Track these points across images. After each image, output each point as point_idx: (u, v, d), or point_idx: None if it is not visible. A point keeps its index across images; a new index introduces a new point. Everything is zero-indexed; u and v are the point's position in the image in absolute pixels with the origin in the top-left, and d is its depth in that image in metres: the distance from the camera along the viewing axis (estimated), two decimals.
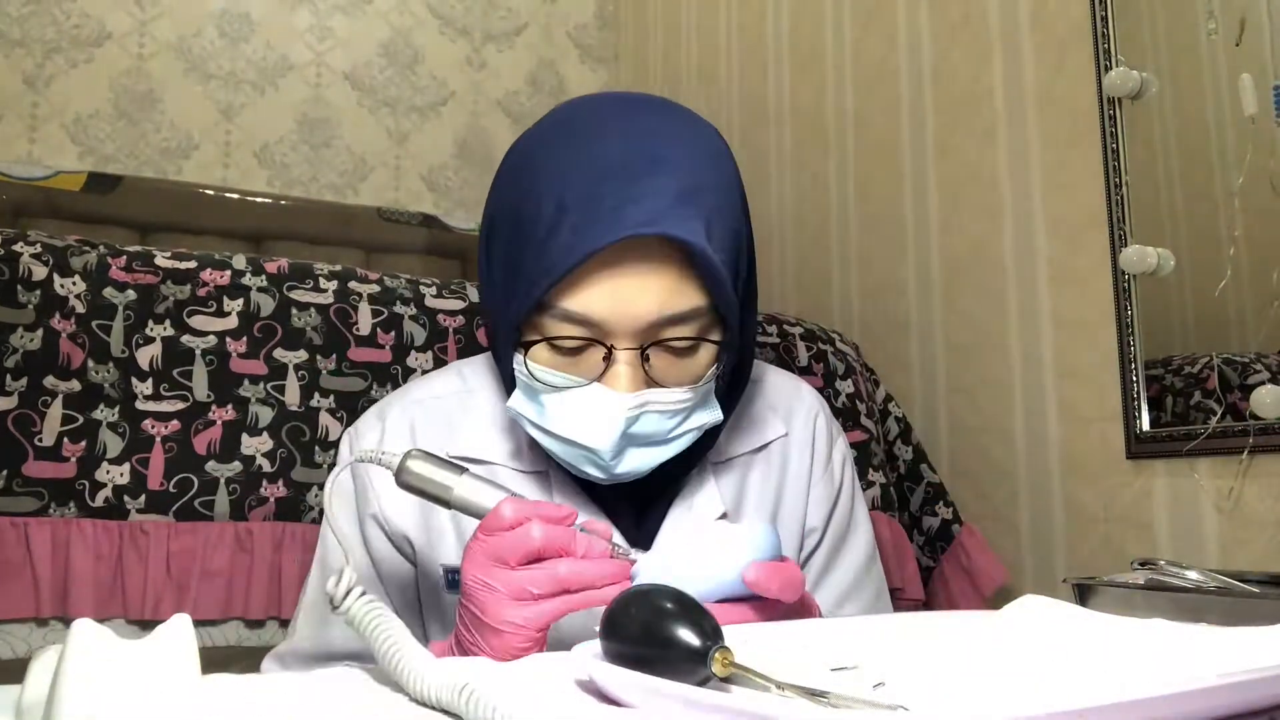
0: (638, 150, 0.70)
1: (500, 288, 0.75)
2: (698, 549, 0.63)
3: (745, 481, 0.86)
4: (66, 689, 0.35)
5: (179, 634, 0.39)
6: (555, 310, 0.69)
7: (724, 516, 0.83)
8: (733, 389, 0.82)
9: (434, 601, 0.82)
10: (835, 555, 0.90)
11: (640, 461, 0.73)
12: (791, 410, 0.91)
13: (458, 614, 0.66)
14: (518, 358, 0.73)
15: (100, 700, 0.35)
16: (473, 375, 0.87)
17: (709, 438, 0.81)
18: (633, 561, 0.63)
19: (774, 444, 0.88)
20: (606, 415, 0.70)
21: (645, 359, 0.70)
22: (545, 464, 0.81)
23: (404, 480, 0.65)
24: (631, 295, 0.68)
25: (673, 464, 0.77)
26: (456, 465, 0.66)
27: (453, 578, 0.79)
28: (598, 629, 0.51)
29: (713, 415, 0.76)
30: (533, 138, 0.76)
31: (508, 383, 0.78)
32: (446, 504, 0.66)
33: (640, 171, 0.68)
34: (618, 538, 0.69)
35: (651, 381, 0.71)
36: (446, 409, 0.84)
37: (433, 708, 0.47)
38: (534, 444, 0.79)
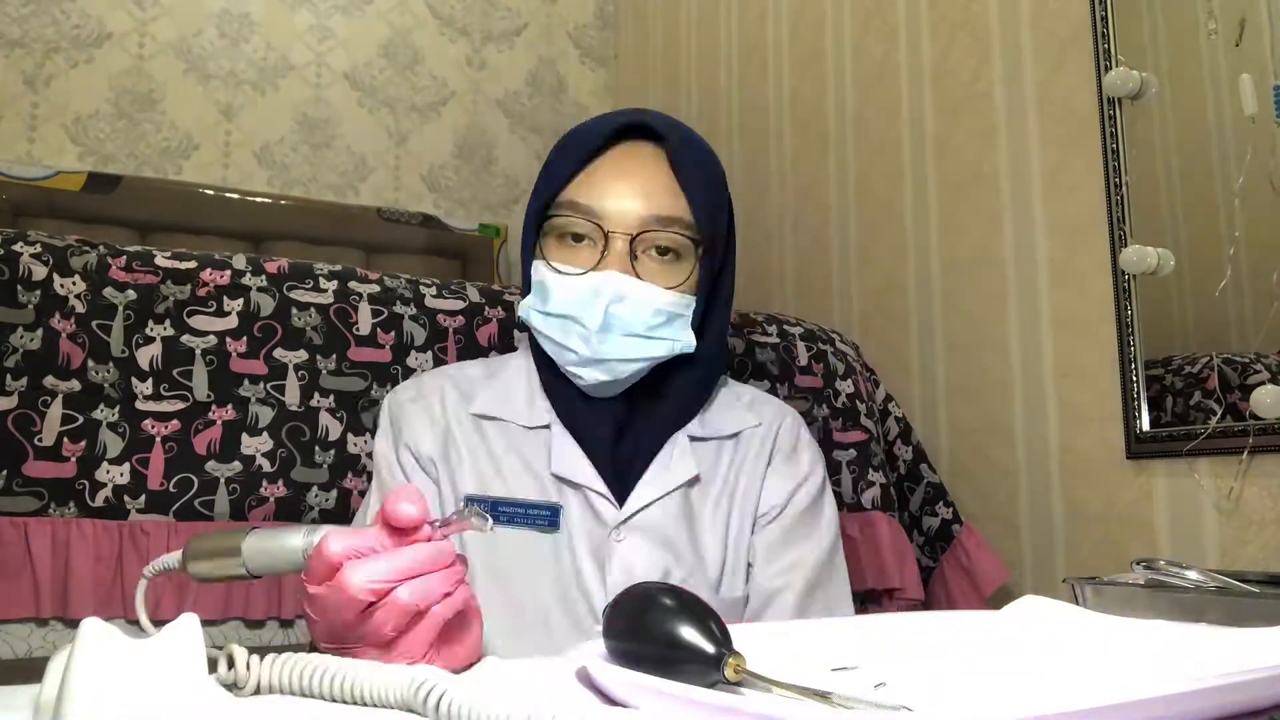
0: (648, 110, 0.97)
1: (529, 213, 0.94)
2: None
3: (717, 458, 0.99)
4: (75, 687, 0.35)
5: (186, 633, 0.39)
6: (568, 203, 0.89)
7: (695, 479, 0.95)
8: (706, 361, 0.97)
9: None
10: (794, 533, 0.99)
11: (623, 349, 0.88)
12: (761, 409, 1.05)
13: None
14: (535, 263, 0.92)
15: (108, 699, 0.35)
16: (496, 364, 1.04)
17: (686, 412, 0.97)
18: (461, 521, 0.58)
19: (744, 433, 1.01)
20: (595, 291, 0.86)
21: (634, 255, 0.88)
22: (549, 419, 0.96)
23: (192, 571, 0.58)
24: (624, 189, 0.89)
25: (658, 431, 0.94)
26: (235, 533, 0.59)
27: (471, 508, 0.80)
28: (599, 627, 0.51)
29: (687, 337, 0.92)
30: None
31: (527, 288, 0.94)
32: (249, 576, 0.58)
33: (651, 112, 0.95)
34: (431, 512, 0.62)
35: (635, 274, 0.88)
36: (472, 382, 1.00)
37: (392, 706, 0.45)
38: (541, 404, 0.96)
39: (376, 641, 0.56)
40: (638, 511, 0.92)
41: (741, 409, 1.03)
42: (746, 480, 0.99)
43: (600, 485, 0.92)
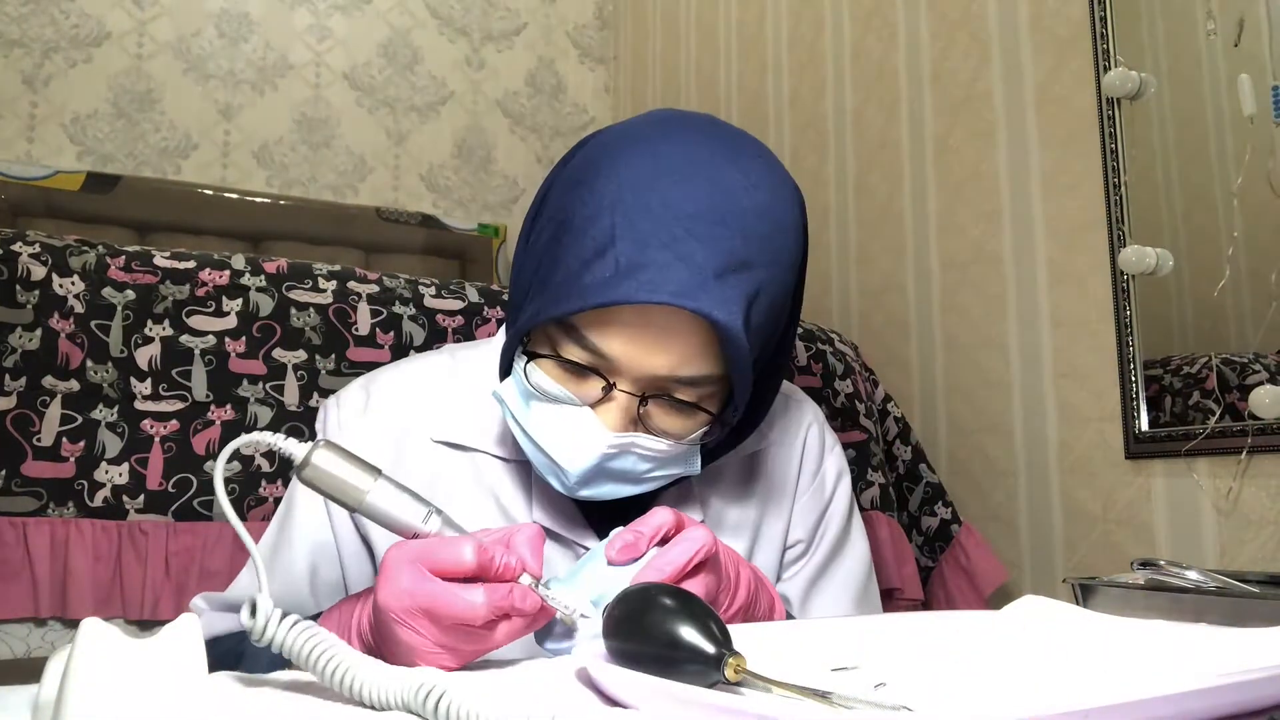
0: (706, 206, 0.67)
1: (528, 280, 0.74)
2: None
3: (729, 489, 0.84)
4: (74, 688, 0.35)
5: (185, 633, 0.39)
6: (574, 333, 0.68)
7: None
8: (750, 426, 0.81)
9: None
10: (827, 568, 0.88)
11: (605, 492, 0.72)
12: (785, 423, 0.89)
13: (363, 623, 0.62)
14: (519, 362, 0.72)
15: (107, 699, 0.35)
16: (464, 361, 0.85)
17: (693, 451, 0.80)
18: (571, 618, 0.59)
19: (761, 453, 0.86)
20: (588, 443, 0.69)
21: (643, 402, 0.69)
22: (534, 479, 0.79)
23: (307, 478, 0.57)
24: (650, 349, 0.67)
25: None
26: (370, 466, 0.59)
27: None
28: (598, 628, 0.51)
29: (693, 466, 0.74)
30: (609, 145, 0.72)
31: (504, 369, 0.76)
32: (353, 509, 0.58)
33: (699, 233, 0.66)
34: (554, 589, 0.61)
35: (641, 426, 0.70)
36: (434, 390, 0.82)
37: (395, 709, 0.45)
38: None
39: (436, 643, 0.56)
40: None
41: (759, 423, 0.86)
42: (774, 505, 0.86)
43: (591, 540, 0.78)
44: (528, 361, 0.70)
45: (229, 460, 0.55)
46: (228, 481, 1.16)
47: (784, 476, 0.87)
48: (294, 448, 0.58)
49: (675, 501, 0.80)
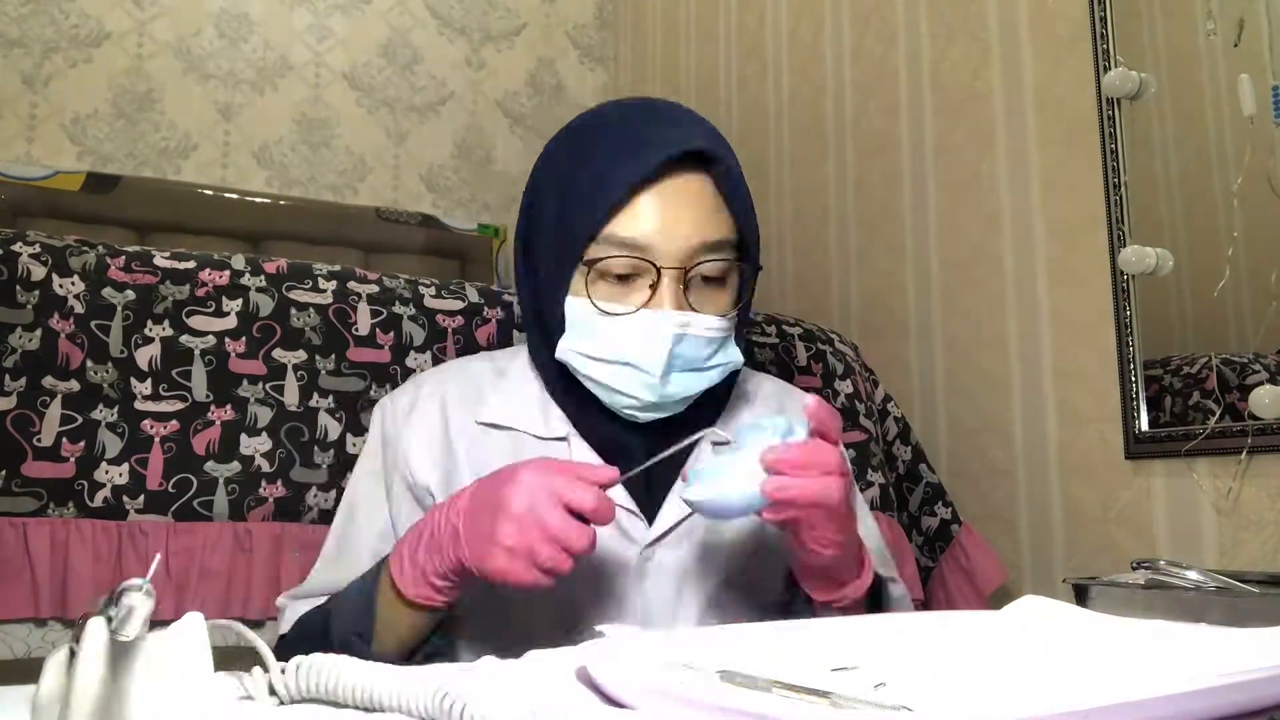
0: (673, 117, 0.87)
1: (552, 241, 0.85)
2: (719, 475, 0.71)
3: None
4: (81, 687, 0.35)
5: (191, 631, 0.39)
6: (612, 239, 0.81)
7: None
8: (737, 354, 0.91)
9: None
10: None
11: (684, 385, 0.82)
12: (783, 402, 0.99)
13: (463, 493, 0.75)
14: (572, 301, 0.83)
15: (114, 698, 0.35)
16: (503, 359, 0.96)
17: (708, 414, 0.91)
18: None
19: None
20: (657, 334, 0.80)
21: (685, 286, 0.81)
22: (566, 430, 0.89)
23: None
24: (674, 220, 0.80)
25: (682, 438, 0.82)
26: None
27: None
28: (598, 628, 0.51)
29: (736, 355, 0.86)
30: (584, 118, 0.89)
31: (544, 342, 0.87)
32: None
33: (674, 120, 0.86)
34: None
35: (690, 308, 0.81)
36: (477, 382, 0.92)
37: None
38: (555, 413, 0.89)
39: (552, 534, 0.69)
40: (670, 530, 0.86)
41: (765, 404, 0.98)
42: None
43: (630, 503, 0.86)
44: (587, 278, 0.82)
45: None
46: (227, 481, 1.17)
47: None
48: None
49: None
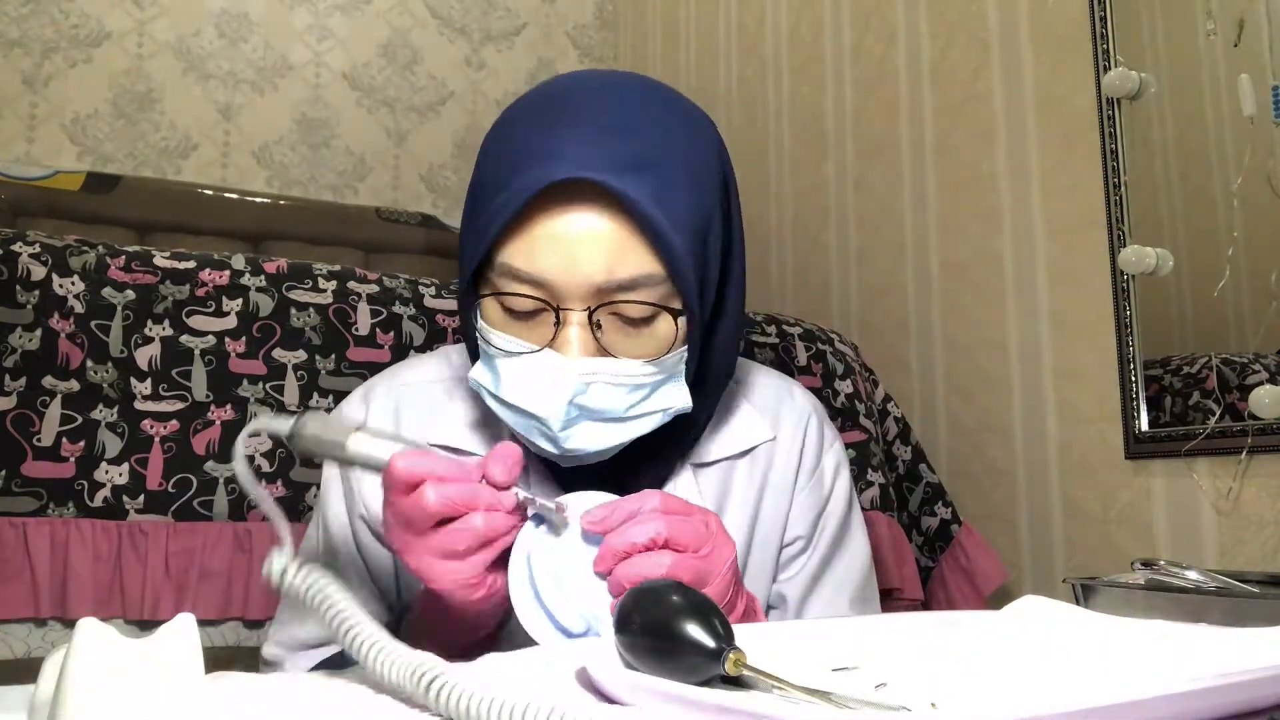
0: (598, 113, 0.68)
1: (463, 244, 0.74)
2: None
3: (729, 484, 0.83)
4: (70, 688, 0.35)
5: (182, 633, 0.39)
6: (505, 268, 0.68)
7: None
8: (711, 386, 0.79)
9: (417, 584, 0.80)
10: (828, 566, 0.87)
11: (593, 439, 0.70)
12: (780, 413, 0.88)
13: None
14: (480, 322, 0.71)
15: (104, 699, 0.35)
16: (461, 363, 0.85)
17: (688, 437, 0.80)
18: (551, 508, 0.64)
19: (759, 448, 0.85)
20: (553, 380, 0.67)
21: (596, 326, 0.68)
22: (525, 457, 0.77)
23: (297, 446, 0.63)
24: (576, 253, 0.66)
25: (652, 463, 0.76)
26: (352, 423, 0.64)
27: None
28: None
29: (681, 399, 0.72)
30: (508, 110, 0.75)
31: (474, 357, 0.75)
32: (348, 462, 0.64)
33: (597, 125, 0.67)
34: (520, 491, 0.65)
35: (604, 352, 0.68)
36: (431, 395, 0.83)
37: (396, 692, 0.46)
38: (515, 434, 0.75)
39: (441, 554, 0.61)
40: None
41: (753, 416, 0.86)
42: (772, 501, 0.85)
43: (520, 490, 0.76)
44: (478, 315, 0.71)
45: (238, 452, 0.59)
46: (227, 481, 1.17)
47: (783, 470, 0.86)
48: (282, 424, 0.62)
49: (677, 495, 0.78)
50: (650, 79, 0.76)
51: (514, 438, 0.75)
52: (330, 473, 0.84)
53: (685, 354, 0.72)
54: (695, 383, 0.75)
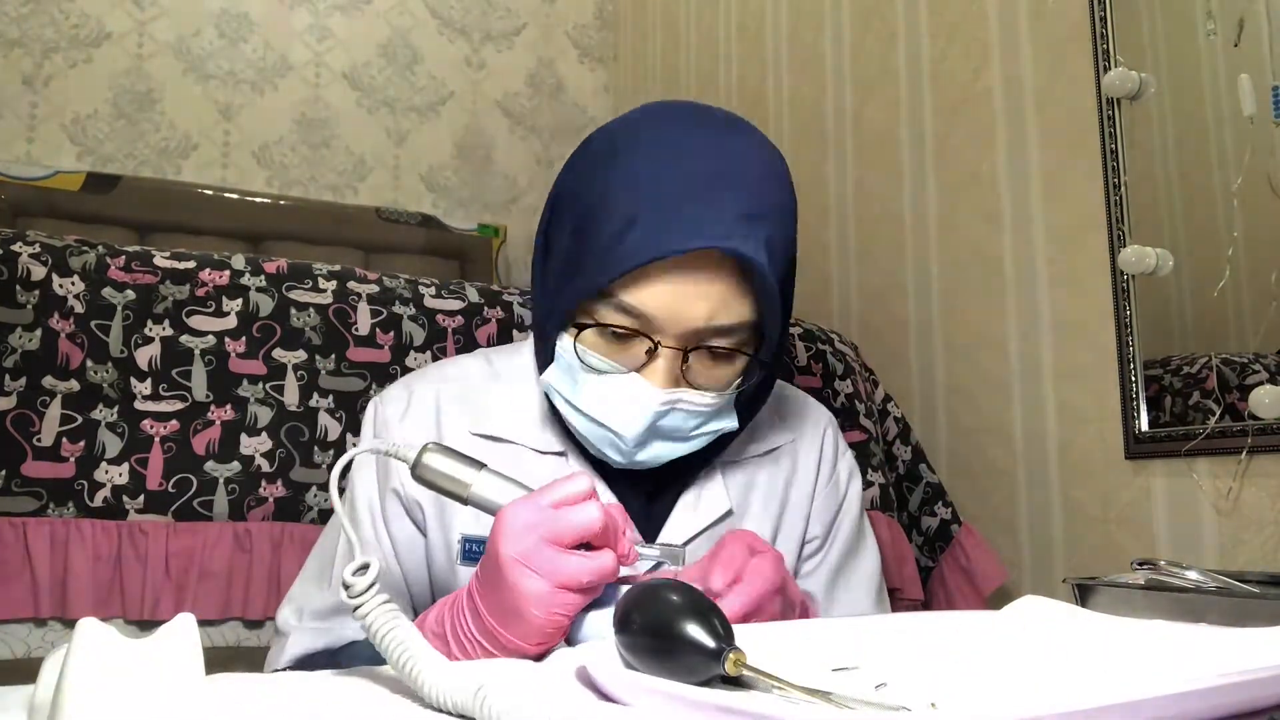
0: (714, 168, 0.74)
1: (558, 273, 0.79)
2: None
3: (753, 481, 0.89)
4: (70, 688, 0.35)
5: (182, 633, 0.39)
6: (614, 300, 0.73)
7: (729, 514, 0.86)
8: (755, 401, 0.85)
9: (445, 574, 0.82)
10: (845, 568, 0.92)
11: (659, 453, 0.77)
12: (800, 418, 0.95)
13: (471, 589, 0.66)
14: (565, 339, 0.76)
15: (104, 700, 0.35)
16: (499, 361, 0.90)
17: (723, 441, 0.84)
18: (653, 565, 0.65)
19: (783, 448, 0.91)
20: (639, 405, 0.74)
21: (685, 359, 0.74)
22: (564, 445, 0.84)
23: (419, 475, 0.64)
24: (687, 300, 0.72)
25: (684, 460, 0.81)
26: (474, 460, 0.65)
27: (470, 548, 0.80)
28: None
29: (729, 423, 0.80)
30: (616, 135, 0.78)
31: (544, 361, 0.81)
32: (463, 500, 0.65)
33: (716, 187, 0.73)
34: (633, 533, 0.70)
35: (684, 381, 0.75)
36: (473, 388, 0.86)
37: (447, 713, 0.46)
38: (554, 426, 0.83)
39: (561, 579, 0.61)
40: None
41: (776, 420, 0.93)
42: (797, 495, 0.90)
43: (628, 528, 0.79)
44: (577, 334, 0.75)
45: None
46: (227, 481, 1.17)
47: (806, 469, 0.92)
48: (405, 452, 0.64)
49: (704, 489, 0.85)
50: (730, 115, 0.81)
51: (570, 437, 0.82)
52: (362, 456, 0.86)
53: (743, 382, 0.79)
54: (746, 404, 0.83)
